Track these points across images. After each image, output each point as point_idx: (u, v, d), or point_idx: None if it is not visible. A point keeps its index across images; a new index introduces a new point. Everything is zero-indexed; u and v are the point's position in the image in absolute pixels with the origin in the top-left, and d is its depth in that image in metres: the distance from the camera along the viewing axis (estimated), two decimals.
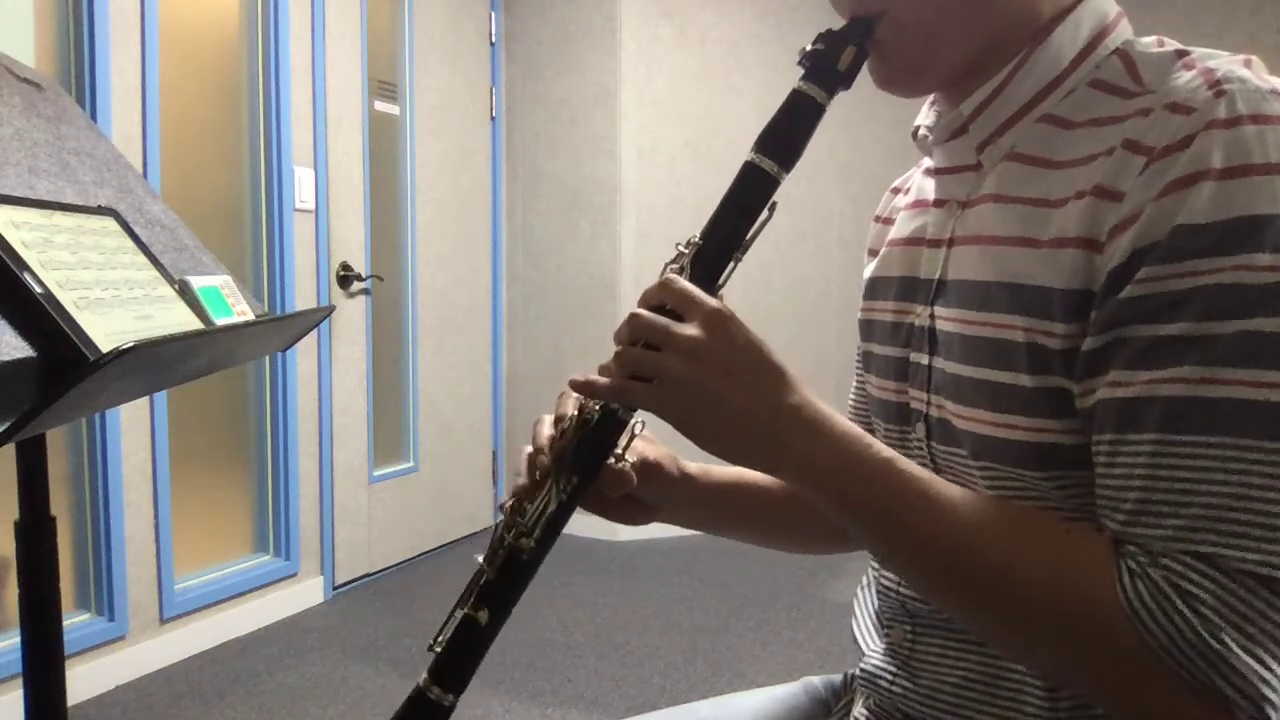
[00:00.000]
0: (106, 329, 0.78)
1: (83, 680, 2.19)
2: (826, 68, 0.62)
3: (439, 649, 0.64)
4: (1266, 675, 0.47)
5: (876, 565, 0.77)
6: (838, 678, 0.86)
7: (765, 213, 0.63)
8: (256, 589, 2.68)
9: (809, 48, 0.63)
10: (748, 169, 0.63)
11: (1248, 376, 0.48)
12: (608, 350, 0.62)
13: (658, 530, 3.56)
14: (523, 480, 0.68)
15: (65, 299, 0.76)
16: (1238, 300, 0.48)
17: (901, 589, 0.72)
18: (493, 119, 3.65)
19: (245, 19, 2.64)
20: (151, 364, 0.80)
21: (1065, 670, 0.54)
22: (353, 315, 3.01)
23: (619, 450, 0.68)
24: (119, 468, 2.27)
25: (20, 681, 1.20)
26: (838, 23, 0.65)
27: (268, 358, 2.74)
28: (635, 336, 0.59)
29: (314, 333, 2.80)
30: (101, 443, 2.23)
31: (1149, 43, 0.60)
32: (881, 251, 0.77)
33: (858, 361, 0.83)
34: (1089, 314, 0.53)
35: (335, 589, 2.97)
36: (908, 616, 0.71)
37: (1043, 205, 0.58)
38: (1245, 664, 0.47)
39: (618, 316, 3.51)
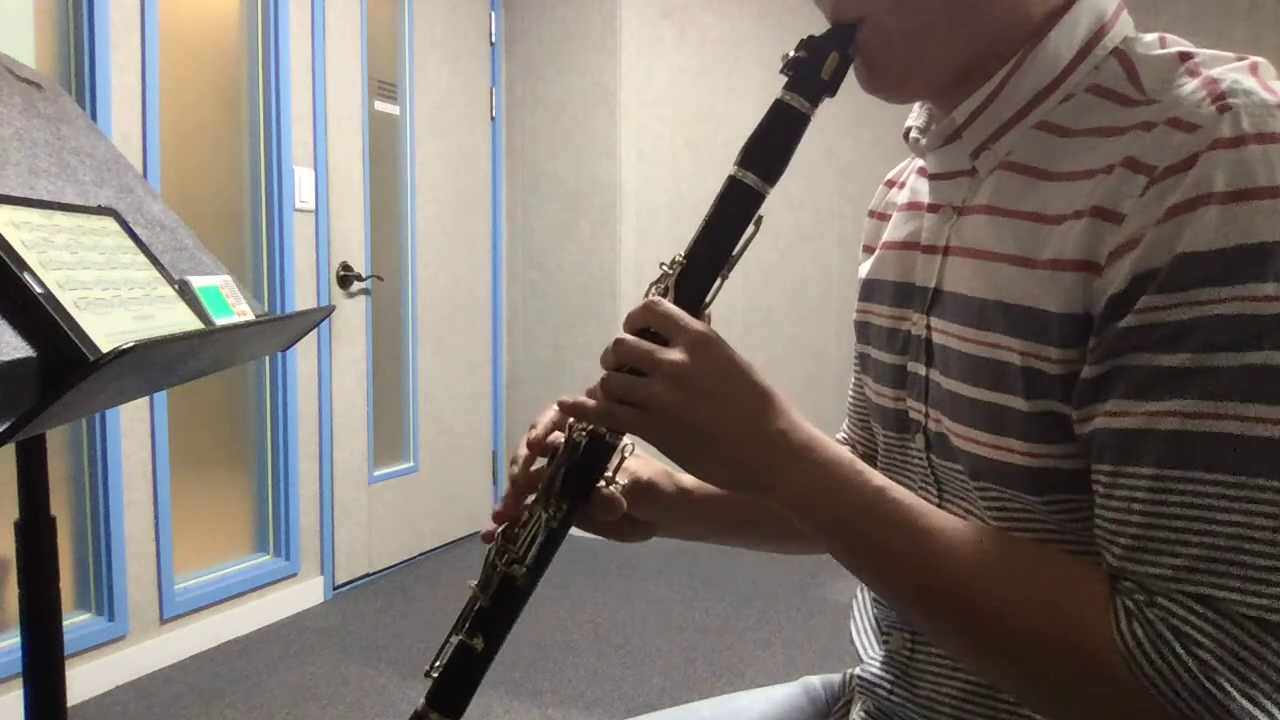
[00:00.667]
0: (106, 329, 0.78)
1: (83, 680, 2.19)
2: (810, 76, 0.61)
3: (435, 675, 0.65)
4: None
5: None
6: (836, 678, 0.86)
7: (751, 228, 0.62)
8: (256, 589, 2.68)
9: (791, 54, 0.61)
10: (731, 184, 0.62)
11: (1250, 412, 0.46)
12: None
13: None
14: (500, 510, 0.68)
15: (65, 299, 0.76)
16: (1241, 332, 0.46)
17: (907, 620, 0.71)
18: (493, 119, 3.65)
19: (245, 19, 2.64)
20: (151, 364, 0.80)
21: (1058, 709, 0.53)
22: (353, 315, 3.01)
23: (609, 473, 0.67)
24: (119, 468, 2.27)
25: (20, 681, 1.20)
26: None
27: (268, 358, 2.74)
28: (620, 362, 0.59)
29: (314, 333, 2.80)
30: (101, 443, 2.23)
31: (1150, 42, 0.57)
32: (876, 252, 0.75)
33: (856, 362, 0.82)
34: (1087, 339, 0.52)
35: (335, 589, 2.97)
36: (907, 625, 0.70)
37: (1039, 221, 0.56)
38: (1244, 710, 0.45)
39: (618, 316, 3.52)
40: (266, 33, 2.66)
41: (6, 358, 0.67)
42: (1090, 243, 0.52)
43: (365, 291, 3.04)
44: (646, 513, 0.76)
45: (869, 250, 0.80)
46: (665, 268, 0.63)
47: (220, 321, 0.99)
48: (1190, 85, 0.51)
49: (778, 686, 0.88)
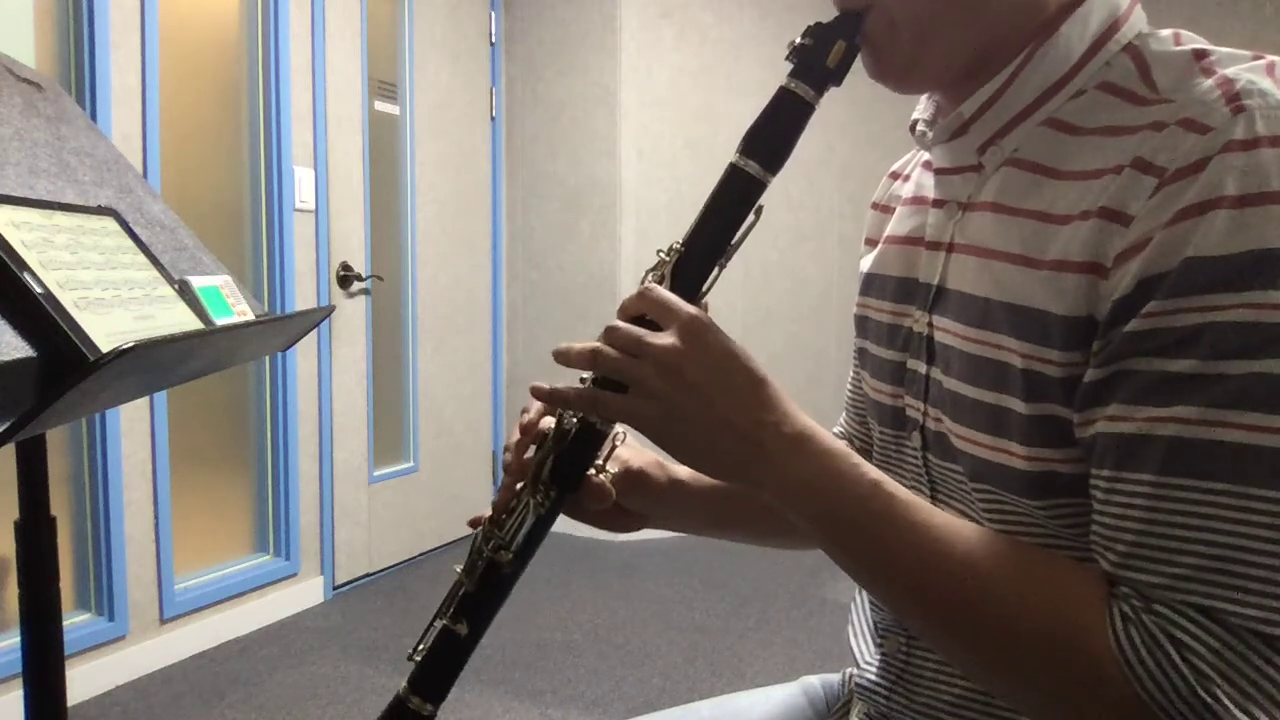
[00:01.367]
0: (107, 329, 0.78)
1: (83, 680, 2.19)
2: (815, 64, 0.59)
3: (418, 659, 0.64)
4: None
5: None
6: (836, 678, 0.86)
7: (751, 217, 0.61)
8: (256, 589, 2.68)
9: (797, 41, 0.60)
10: (732, 172, 0.61)
11: (1255, 421, 0.45)
12: None
13: (658, 530, 3.55)
14: (498, 501, 0.67)
15: (65, 299, 0.76)
16: (1248, 340, 0.45)
17: (897, 620, 0.70)
18: (493, 119, 3.65)
19: (245, 19, 2.64)
20: (151, 364, 0.80)
21: (1050, 713, 0.52)
22: (353, 315, 3.01)
23: (599, 461, 0.67)
24: (119, 468, 2.27)
25: (20, 681, 1.20)
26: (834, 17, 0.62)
27: (268, 358, 2.74)
28: (613, 348, 0.57)
29: (314, 333, 2.80)
30: (101, 443, 2.23)
31: (1165, 39, 0.56)
32: (879, 246, 0.74)
33: (855, 357, 0.81)
34: (1090, 342, 0.51)
35: (335, 589, 2.97)
36: (902, 629, 0.70)
37: (1045, 220, 0.55)
38: None
39: None
40: (266, 33, 2.66)
41: (6, 358, 0.67)
42: (1097, 244, 0.51)
43: (365, 291, 3.04)
44: (637, 503, 0.75)
45: (871, 243, 0.79)
46: (663, 255, 0.62)
47: (220, 321, 0.99)
48: (1204, 85, 0.50)
49: (777, 687, 0.87)
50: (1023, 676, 0.51)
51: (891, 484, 0.55)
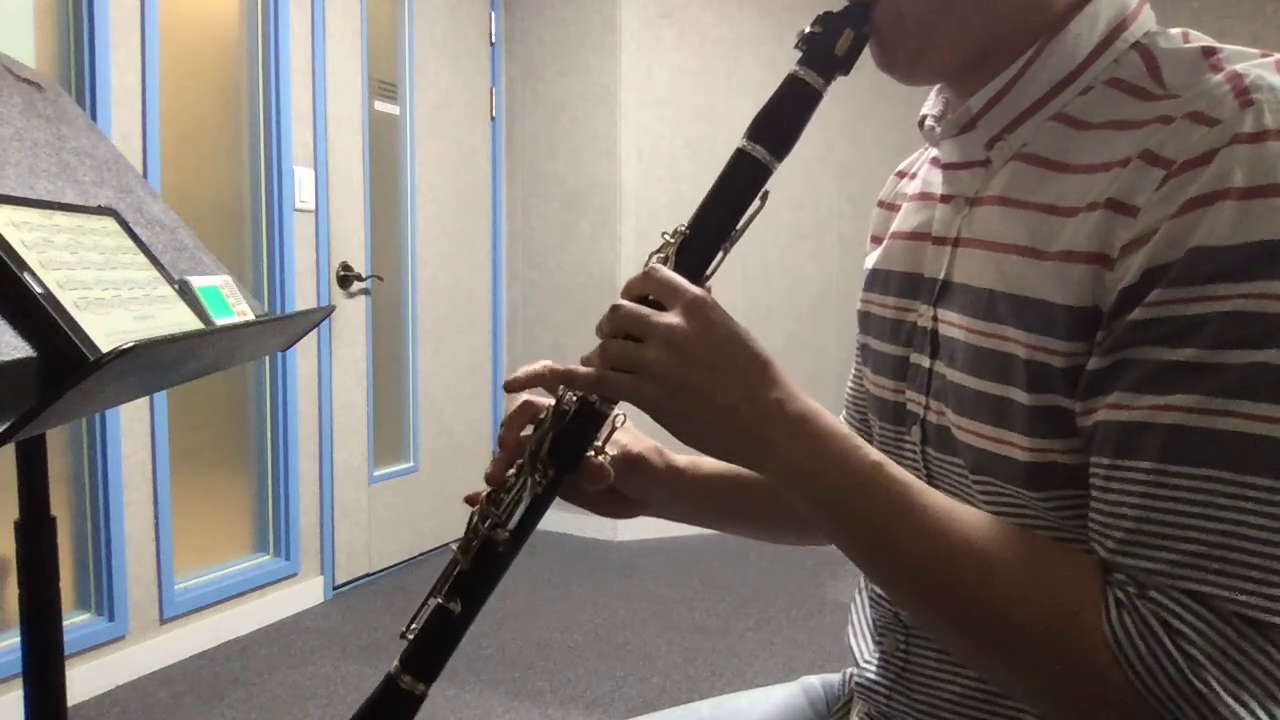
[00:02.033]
0: (106, 329, 0.78)
1: (83, 680, 2.19)
2: (824, 52, 0.60)
3: (411, 637, 0.63)
4: None
5: None
6: (836, 678, 0.85)
7: (757, 202, 0.61)
8: (256, 589, 2.68)
9: (806, 29, 0.61)
10: (739, 156, 0.61)
11: (1255, 410, 0.45)
12: None
13: (658, 530, 3.56)
14: (492, 471, 0.67)
15: (65, 299, 0.76)
16: (1251, 330, 0.45)
17: (894, 605, 0.70)
18: (493, 119, 3.65)
19: (245, 19, 2.64)
20: (151, 364, 0.80)
21: (1044, 698, 0.52)
22: (353, 315, 3.01)
23: (598, 443, 0.66)
24: (119, 468, 2.27)
25: (20, 681, 1.20)
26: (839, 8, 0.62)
27: (268, 358, 2.74)
28: (616, 328, 0.57)
29: (314, 333, 2.80)
30: (101, 443, 2.23)
31: (1173, 37, 0.56)
32: (884, 242, 0.75)
33: (857, 353, 0.81)
34: (1095, 332, 0.51)
35: (335, 589, 2.97)
36: (901, 626, 0.70)
37: (1052, 213, 0.55)
38: (1229, 708, 0.45)
39: None
40: (266, 33, 2.66)
41: (6, 358, 0.67)
42: (1103, 235, 0.51)
43: (365, 291, 3.04)
44: (634, 488, 0.74)
45: (877, 241, 0.79)
46: (668, 237, 0.62)
47: (220, 321, 0.99)
48: (1213, 80, 0.50)
49: (777, 687, 0.87)
50: (1017, 661, 0.51)
51: (892, 466, 0.55)
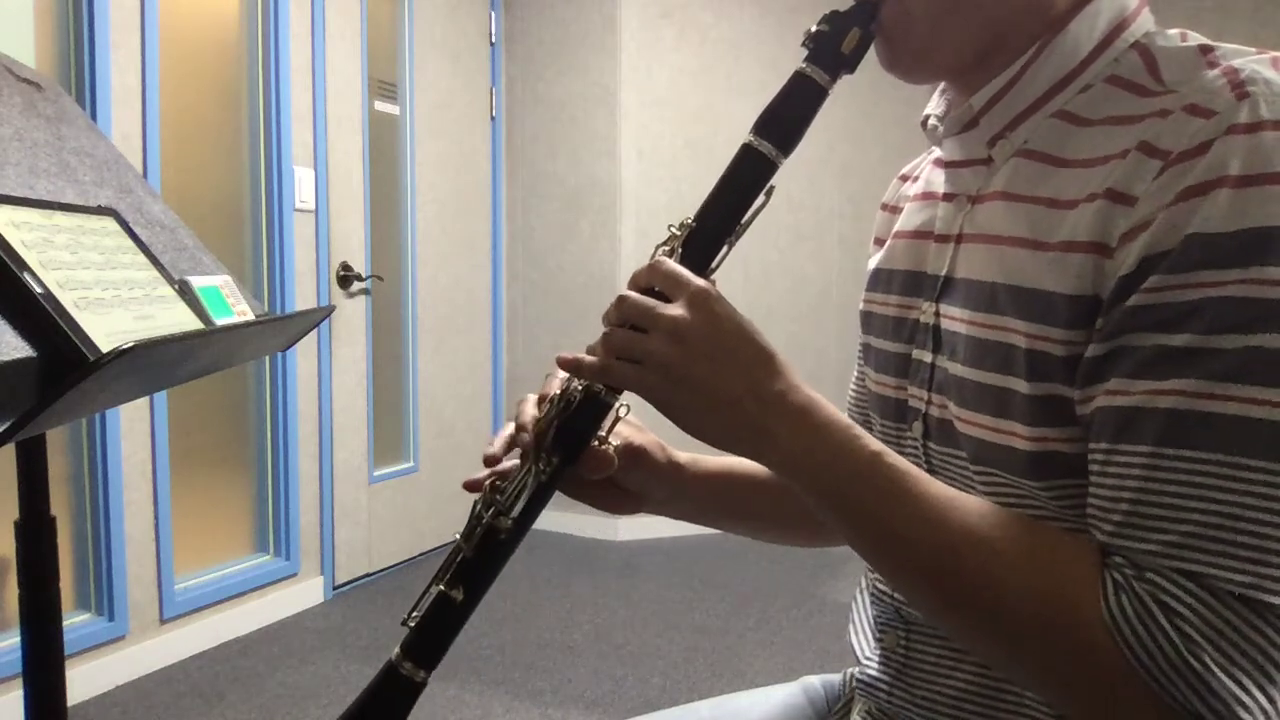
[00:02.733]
0: (106, 329, 0.78)
1: (83, 680, 2.19)
2: (830, 50, 0.61)
3: (413, 624, 0.63)
4: (1245, 699, 0.46)
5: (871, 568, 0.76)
6: (836, 678, 0.86)
7: (762, 197, 0.62)
8: (256, 589, 2.68)
9: (814, 28, 0.62)
10: (745, 151, 0.62)
11: (1249, 393, 0.46)
12: None
13: (658, 530, 3.56)
14: (493, 450, 0.67)
15: (65, 299, 0.76)
16: (1245, 315, 0.46)
17: (896, 593, 0.70)
18: (493, 119, 3.65)
19: (245, 19, 2.64)
20: (151, 364, 0.80)
21: (1046, 682, 0.53)
22: (353, 315, 3.01)
23: (602, 433, 0.66)
24: (119, 468, 2.27)
25: (20, 681, 1.20)
26: (845, 7, 0.64)
27: (268, 358, 2.74)
28: (622, 319, 0.58)
29: (314, 333, 2.80)
30: (101, 443, 2.23)
31: (1172, 36, 0.57)
32: (887, 243, 0.75)
33: (859, 353, 0.81)
34: (1094, 321, 0.52)
35: (335, 589, 2.97)
36: (901, 622, 0.70)
37: (1053, 205, 0.56)
38: (1224, 686, 0.46)
39: None
40: (266, 33, 2.66)
41: (6, 358, 0.67)
42: (1102, 225, 0.52)
43: (365, 291, 3.04)
44: (635, 481, 0.74)
45: (879, 242, 0.79)
46: (674, 230, 0.63)
47: (220, 321, 0.99)
48: (1210, 74, 0.51)
49: (777, 687, 0.87)
50: (1018, 646, 0.52)
51: (892, 455, 0.56)
